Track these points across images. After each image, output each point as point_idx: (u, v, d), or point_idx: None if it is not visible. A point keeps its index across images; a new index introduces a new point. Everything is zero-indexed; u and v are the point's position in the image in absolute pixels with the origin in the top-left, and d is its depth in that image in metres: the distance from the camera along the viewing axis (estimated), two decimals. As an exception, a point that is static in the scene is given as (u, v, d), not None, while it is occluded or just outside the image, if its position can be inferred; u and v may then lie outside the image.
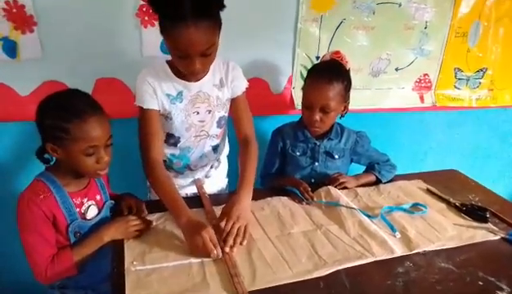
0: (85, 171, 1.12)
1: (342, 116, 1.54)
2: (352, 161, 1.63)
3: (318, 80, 1.41)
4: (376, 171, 1.55)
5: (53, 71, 1.55)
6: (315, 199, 1.38)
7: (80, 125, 1.03)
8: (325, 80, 1.39)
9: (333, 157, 1.53)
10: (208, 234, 1.06)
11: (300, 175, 1.55)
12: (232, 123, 1.44)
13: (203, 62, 1.17)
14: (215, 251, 1.04)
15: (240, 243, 1.11)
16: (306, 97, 1.45)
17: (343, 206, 1.33)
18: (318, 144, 1.52)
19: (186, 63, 1.16)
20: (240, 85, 1.40)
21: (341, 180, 1.47)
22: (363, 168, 1.64)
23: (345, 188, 1.47)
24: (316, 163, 1.54)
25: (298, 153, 1.54)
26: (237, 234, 1.11)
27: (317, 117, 1.42)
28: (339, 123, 1.56)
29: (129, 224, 1.15)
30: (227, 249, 1.07)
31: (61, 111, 1.03)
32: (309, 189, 1.40)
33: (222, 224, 1.14)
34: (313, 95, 1.42)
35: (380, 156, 1.61)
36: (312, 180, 1.53)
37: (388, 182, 1.55)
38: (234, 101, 1.41)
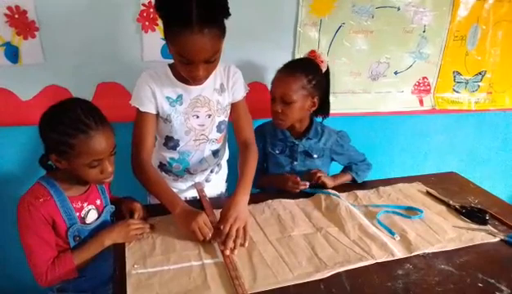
0: (89, 180, 1.15)
1: (317, 115, 1.55)
2: (332, 160, 1.63)
3: (281, 72, 1.46)
4: (353, 171, 1.57)
5: (55, 76, 1.56)
6: (307, 184, 1.44)
7: (86, 141, 1.04)
8: (287, 72, 1.44)
9: (311, 156, 1.54)
10: (203, 219, 1.13)
11: (281, 173, 1.55)
12: (232, 127, 1.45)
13: (206, 69, 1.18)
14: (210, 234, 1.12)
15: (242, 245, 1.12)
16: (271, 89, 1.48)
17: (329, 194, 1.39)
18: (297, 143, 1.53)
19: (190, 69, 1.17)
20: (241, 90, 1.41)
21: (318, 175, 1.48)
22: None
23: (323, 183, 1.48)
24: (295, 163, 1.55)
25: (277, 152, 1.55)
26: (237, 236, 1.12)
27: (279, 108, 1.43)
28: (320, 123, 1.57)
29: (130, 227, 1.15)
30: (228, 252, 1.08)
31: (66, 126, 1.03)
32: (298, 178, 1.44)
33: (221, 227, 1.15)
34: (275, 85, 1.46)
35: (358, 155, 1.62)
36: None
37: (387, 185, 1.56)
38: (234, 106, 1.42)
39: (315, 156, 1.54)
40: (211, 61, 1.16)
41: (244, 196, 1.24)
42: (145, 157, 1.30)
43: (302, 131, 1.54)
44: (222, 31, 1.14)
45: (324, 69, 1.48)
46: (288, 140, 1.53)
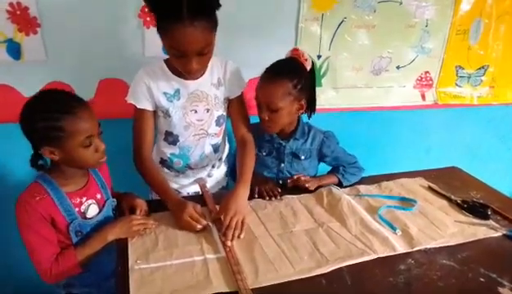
0: (87, 163, 1.13)
1: (309, 116, 1.50)
2: (319, 161, 1.59)
3: (264, 78, 1.38)
4: (340, 173, 1.51)
5: (57, 72, 1.57)
6: (278, 198, 1.38)
7: (73, 119, 1.05)
8: (270, 78, 1.36)
9: (299, 158, 1.50)
10: (189, 213, 1.17)
11: (268, 175, 1.53)
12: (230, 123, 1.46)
13: (200, 61, 1.19)
14: (199, 226, 1.15)
15: (238, 236, 1.14)
16: (255, 95, 1.41)
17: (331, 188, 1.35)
18: (284, 144, 1.49)
19: (184, 62, 1.18)
20: (238, 86, 1.42)
21: (301, 183, 1.44)
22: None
23: (307, 189, 1.44)
24: (283, 164, 1.52)
25: (264, 154, 1.52)
26: (235, 228, 1.15)
27: (265, 115, 1.38)
28: (306, 123, 1.52)
29: (132, 223, 1.16)
30: (229, 243, 1.10)
31: (51, 111, 1.03)
32: (277, 188, 1.41)
33: (221, 218, 1.18)
34: (259, 93, 1.39)
35: (347, 157, 1.56)
36: (280, 182, 1.50)
37: (389, 180, 1.55)
38: (231, 102, 1.43)
39: (302, 157, 1.50)
40: (204, 53, 1.17)
41: (243, 189, 1.27)
42: (146, 151, 1.34)
43: (289, 132, 1.50)
44: (213, 23, 1.15)
45: (309, 67, 1.40)
46: (275, 142, 1.50)
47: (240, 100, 1.44)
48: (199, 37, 1.11)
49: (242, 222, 1.18)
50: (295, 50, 1.42)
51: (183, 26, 1.08)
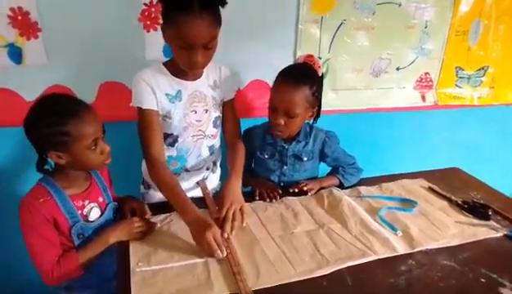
0: (93, 165, 1.15)
1: (314, 122, 1.50)
2: (320, 161, 1.59)
3: (284, 83, 1.36)
4: (340, 174, 1.52)
5: (58, 76, 1.57)
6: (278, 198, 1.40)
7: (78, 123, 1.06)
8: (291, 84, 1.34)
9: (301, 159, 1.51)
10: (212, 234, 1.07)
11: (270, 178, 1.54)
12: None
13: (204, 55, 1.20)
14: (218, 252, 1.05)
15: (240, 225, 1.16)
16: (271, 99, 1.40)
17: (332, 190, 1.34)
18: (286, 147, 1.48)
19: (188, 54, 1.19)
20: (231, 90, 1.45)
21: (305, 189, 1.45)
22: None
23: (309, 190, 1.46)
24: (285, 167, 1.51)
25: (266, 157, 1.52)
26: (234, 219, 1.16)
27: (282, 121, 1.36)
28: (307, 123, 1.51)
29: (133, 225, 1.16)
30: (226, 235, 1.12)
31: (55, 116, 1.04)
32: (277, 189, 1.42)
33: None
34: (278, 98, 1.37)
35: (347, 158, 1.56)
36: (282, 184, 1.51)
37: (390, 181, 1.56)
38: (225, 104, 1.46)
39: (305, 159, 1.50)
40: (209, 48, 1.19)
41: (237, 181, 1.30)
42: (157, 155, 1.29)
43: (293, 135, 1.49)
44: (218, 19, 1.18)
45: (320, 74, 1.41)
46: (277, 145, 1.49)
47: (232, 104, 1.47)
48: (206, 30, 1.14)
49: (241, 211, 1.19)
50: (310, 56, 1.41)
51: (193, 17, 1.10)
